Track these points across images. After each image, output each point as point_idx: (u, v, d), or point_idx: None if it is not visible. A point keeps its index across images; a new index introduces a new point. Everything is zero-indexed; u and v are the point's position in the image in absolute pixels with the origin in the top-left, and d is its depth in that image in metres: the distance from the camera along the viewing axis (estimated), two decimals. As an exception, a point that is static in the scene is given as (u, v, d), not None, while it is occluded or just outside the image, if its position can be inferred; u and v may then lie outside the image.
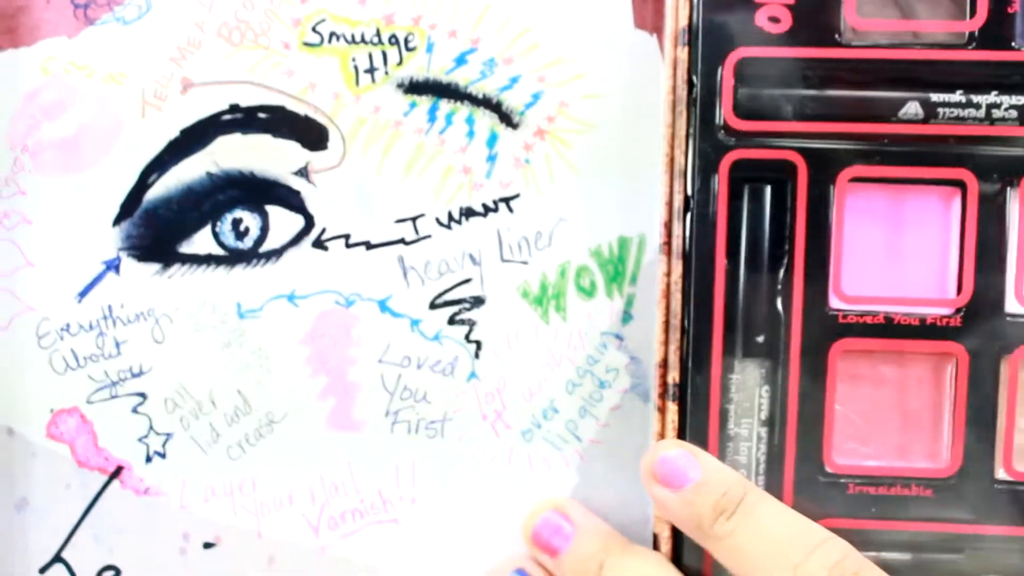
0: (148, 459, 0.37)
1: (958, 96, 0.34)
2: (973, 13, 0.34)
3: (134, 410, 0.37)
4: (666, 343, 0.35)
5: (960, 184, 0.34)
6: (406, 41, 0.37)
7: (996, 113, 0.34)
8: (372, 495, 0.37)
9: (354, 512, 0.37)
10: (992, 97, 0.34)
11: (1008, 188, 0.34)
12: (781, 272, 0.35)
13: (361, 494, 0.37)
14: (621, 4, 0.37)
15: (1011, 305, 0.34)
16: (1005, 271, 0.34)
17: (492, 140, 0.37)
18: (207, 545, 0.37)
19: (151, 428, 0.37)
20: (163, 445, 0.37)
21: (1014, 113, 0.34)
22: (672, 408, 0.35)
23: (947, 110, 0.34)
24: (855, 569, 0.31)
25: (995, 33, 0.34)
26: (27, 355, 0.37)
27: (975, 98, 0.34)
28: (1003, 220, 0.34)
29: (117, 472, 0.37)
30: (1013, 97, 0.34)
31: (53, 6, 0.36)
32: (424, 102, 0.37)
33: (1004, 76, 0.34)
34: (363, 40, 0.37)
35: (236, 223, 0.37)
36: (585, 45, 0.37)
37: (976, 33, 0.34)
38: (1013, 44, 0.34)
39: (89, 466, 0.37)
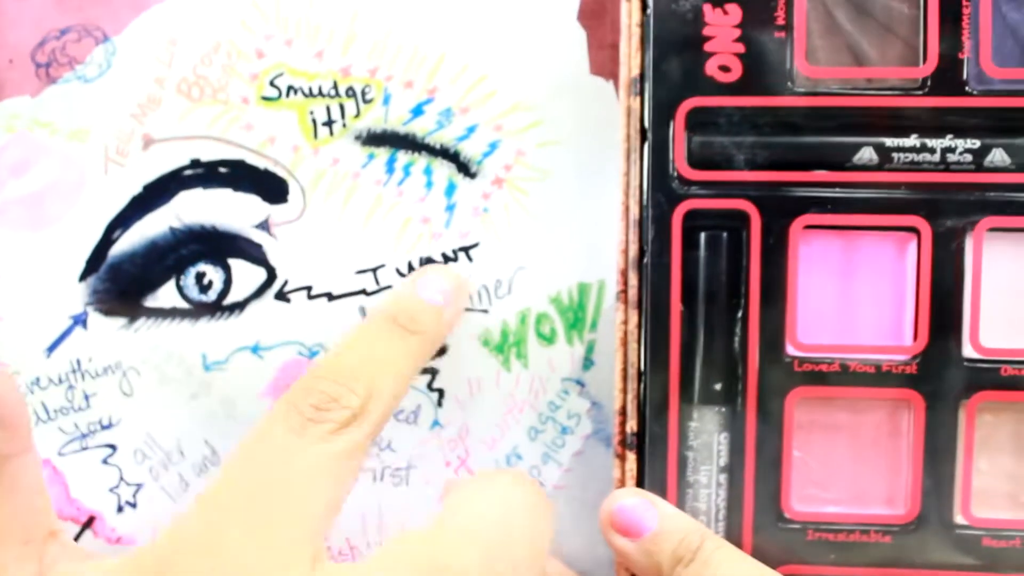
0: (119, 509, 0.38)
1: (913, 140, 0.34)
2: (925, 59, 0.34)
3: (104, 461, 0.38)
4: (624, 391, 0.36)
5: (914, 230, 0.34)
6: (363, 93, 0.37)
7: (951, 157, 0.34)
8: (339, 542, 0.38)
9: (322, 559, 0.38)
10: (947, 141, 0.34)
11: (964, 233, 0.34)
12: (737, 320, 0.35)
13: (328, 541, 0.38)
14: (577, 50, 0.37)
15: (967, 351, 0.34)
16: (961, 317, 0.34)
17: (450, 190, 0.37)
18: (179, 592, 0.38)
19: (121, 478, 0.38)
20: (134, 495, 0.38)
21: (969, 157, 0.34)
22: (631, 457, 0.35)
23: (902, 155, 0.34)
24: None
25: (948, 78, 0.34)
26: (-1, 409, 0.38)
27: (930, 142, 0.34)
28: (959, 266, 0.34)
29: (90, 522, 0.38)
30: (968, 141, 0.34)
31: (16, 66, 0.37)
32: (382, 153, 0.37)
33: (958, 120, 0.34)
34: (320, 93, 0.37)
35: (199, 276, 0.37)
36: (542, 92, 0.37)
37: (928, 79, 0.34)
38: (967, 89, 0.34)
39: (62, 516, 0.38)
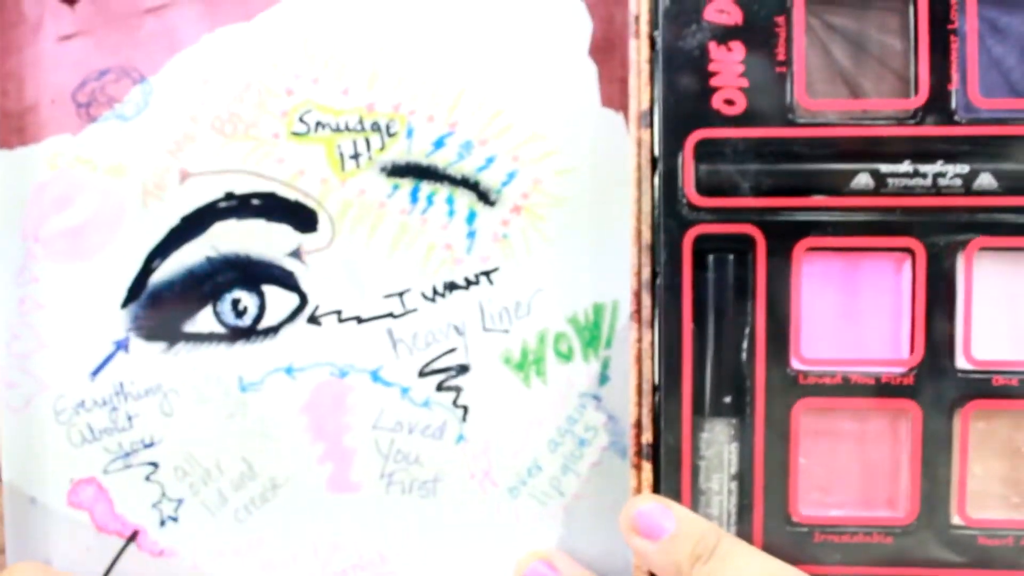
0: (162, 523, 0.40)
1: (906, 166, 0.36)
2: (917, 91, 0.36)
3: (147, 478, 0.40)
4: (639, 405, 0.38)
5: (909, 251, 0.36)
6: (387, 127, 0.39)
7: (942, 182, 0.36)
8: (371, 552, 0.40)
9: (354, 568, 0.40)
10: (938, 167, 0.36)
11: (955, 253, 0.36)
12: (745, 337, 0.37)
13: (360, 551, 0.40)
14: (588, 84, 0.39)
15: (961, 363, 0.37)
16: (954, 331, 0.37)
17: (471, 217, 0.39)
18: (219, 602, 0.40)
19: (163, 494, 0.40)
20: (175, 510, 0.40)
21: (959, 181, 0.36)
22: (647, 466, 0.37)
23: (896, 180, 0.36)
24: None
25: (938, 108, 0.36)
26: (46, 430, 0.40)
27: (922, 168, 0.36)
28: (952, 283, 0.36)
29: (133, 536, 0.40)
30: (957, 166, 0.36)
31: (58, 106, 0.39)
32: (406, 184, 0.39)
33: (948, 147, 0.36)
34: (347, 128, 0.39)
35: (235, 303, 0.39)
36: (556, 124, 0.39)
37: (920, 109, 0.36)
38: (955, 118, 0.36)
39: (107, 531, 0.40)
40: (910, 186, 0.36)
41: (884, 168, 0.36)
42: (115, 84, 0.39)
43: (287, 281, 0.39)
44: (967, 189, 0.36)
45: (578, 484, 0.40)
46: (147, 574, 0.40)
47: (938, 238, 0.36)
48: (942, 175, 0.36)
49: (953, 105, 0.36)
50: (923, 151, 0.36)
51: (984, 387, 0.36)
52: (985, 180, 0.36)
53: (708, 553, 0.35)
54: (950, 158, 0.36)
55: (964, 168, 0.36)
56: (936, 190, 0.36)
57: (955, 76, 0.36)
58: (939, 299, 0.36)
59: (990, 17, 0.36)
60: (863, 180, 0.36)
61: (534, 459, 0.40)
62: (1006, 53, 0.36)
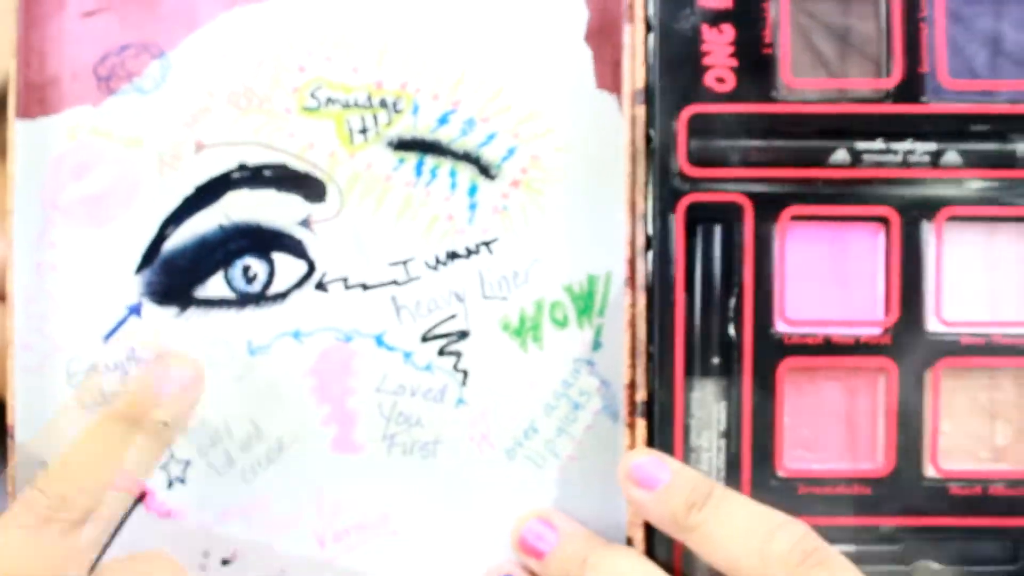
0: (169, 484, 0.41)
1: (879, 144, 0.39)
2: (890, 72, 0.39)
3: (155, 440, 0.41)
4: (633, 366, 0.40)
5: (884, 220, 0.39)
6: (394, 104, 0.41)
7: (912, 158, 0.39)
8: (373, 511, 0.41)
9: (358, 527, 0.41)
10: (908, 144, 0.39)
11: (924, 222, 0.39)
12: (732, 300, 0.39)
13: (363, 510, 0.41)
14: (584, 67, 0.41)
15: (932, 324, 0.39)
16: (925, 294, 0.39)
17: (473, 190, 0.41)
18: (224, 562, 0.41)
19: (171, 456, 0.41)
20: (183, 471, 0.41)
21: (927, 158, 0.39)
22: (641, 424, 0.40)
23: (870, 156, 0.39)
24: (814, 546, 0.36)
25: (909, 89, 0.39)
26: (58, 392, 0.41)
27: (893, 145, 0.39)
28: (921, 250, 0.39)
29: (142, 497, 0.41)
30: (926, 144, 0.39)
31: (79, 78, 0.41)
32: (411, 158, 0.41)
33: (917, 126, 0.39)
34: (356, 104, 0.41)
35: (245, 269, 0.41)
36: (553, 104, 0.41)
37: (893, 90, 0.39)
38: (924, 99, 0.39)
39: (117, 491, 0.41)
40: (883, 161, 0.39)
41: (860, 144, 0.39)
42: (135, 59, 0.41)
43: (296, 249, 0.41)
44: (935, 164, 0.39)
45: (572, 446, 0.42)
46: (154, 534, 0.41)
47: (910, 208, 0.39)
48: (911, 152, 0.39)
49: (923, 87, 0.39)
50: (895, 129, 0.39)
51: (953, 346, 0.39)
52: (951, 156, 0.39)
53: (703, 500, 0.37)
54: (919, 136, 0.39)
55: (932, 146, 0.39)
56: (907, 165, 0.39)
57: (926, 60, 0.39)
58: (912, 264, 0.39)
59: (955, 8, 0.39)
60: (841, 155, 0.39)
61: (531, 422, 0.42)
62: (969, 41, 0.40)
